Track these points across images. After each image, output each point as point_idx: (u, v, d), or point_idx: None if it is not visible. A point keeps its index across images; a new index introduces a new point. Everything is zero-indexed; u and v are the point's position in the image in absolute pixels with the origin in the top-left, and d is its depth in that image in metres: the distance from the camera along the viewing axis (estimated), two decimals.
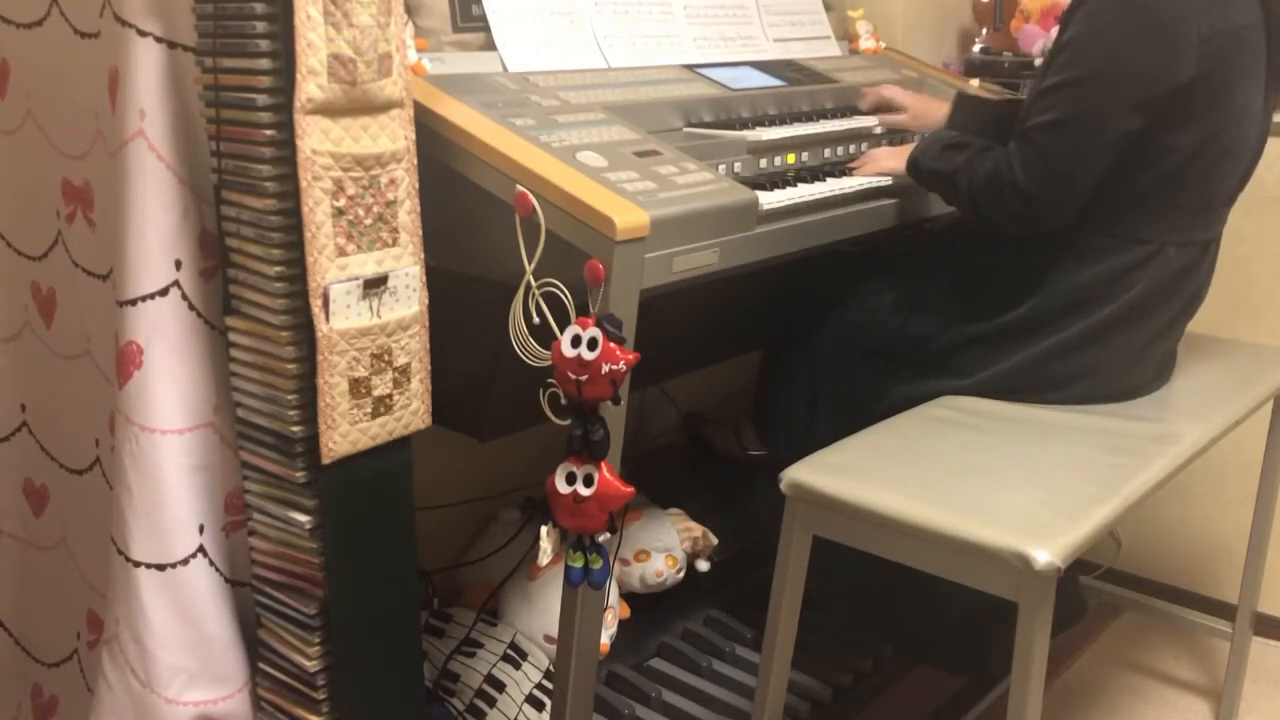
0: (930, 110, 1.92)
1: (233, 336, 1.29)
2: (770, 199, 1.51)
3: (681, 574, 1.96)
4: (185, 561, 1.31)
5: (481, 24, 1.60)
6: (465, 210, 1.37)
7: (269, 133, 1.19)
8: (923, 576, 1.42)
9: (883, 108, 1.95)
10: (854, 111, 1.96)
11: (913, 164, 1.69)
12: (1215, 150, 1.60)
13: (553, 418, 1.30)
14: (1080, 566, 2.14)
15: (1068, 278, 1.64)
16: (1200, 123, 1.57)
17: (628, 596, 1.92)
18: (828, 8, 2.22)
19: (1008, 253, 1.69)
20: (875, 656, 2.05)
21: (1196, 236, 1.67)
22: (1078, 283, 1.63)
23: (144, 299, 1.27)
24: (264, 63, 1.18)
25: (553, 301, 1.27)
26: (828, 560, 1.54)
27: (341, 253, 1.21)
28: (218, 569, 1.34)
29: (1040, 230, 1.60)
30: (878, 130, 1.89)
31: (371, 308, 1.25)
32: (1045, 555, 1.27)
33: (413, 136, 1.27)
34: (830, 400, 1.84)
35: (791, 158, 1.72)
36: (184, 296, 1.28)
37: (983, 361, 1.69)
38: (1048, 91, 1.56)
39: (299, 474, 1.27)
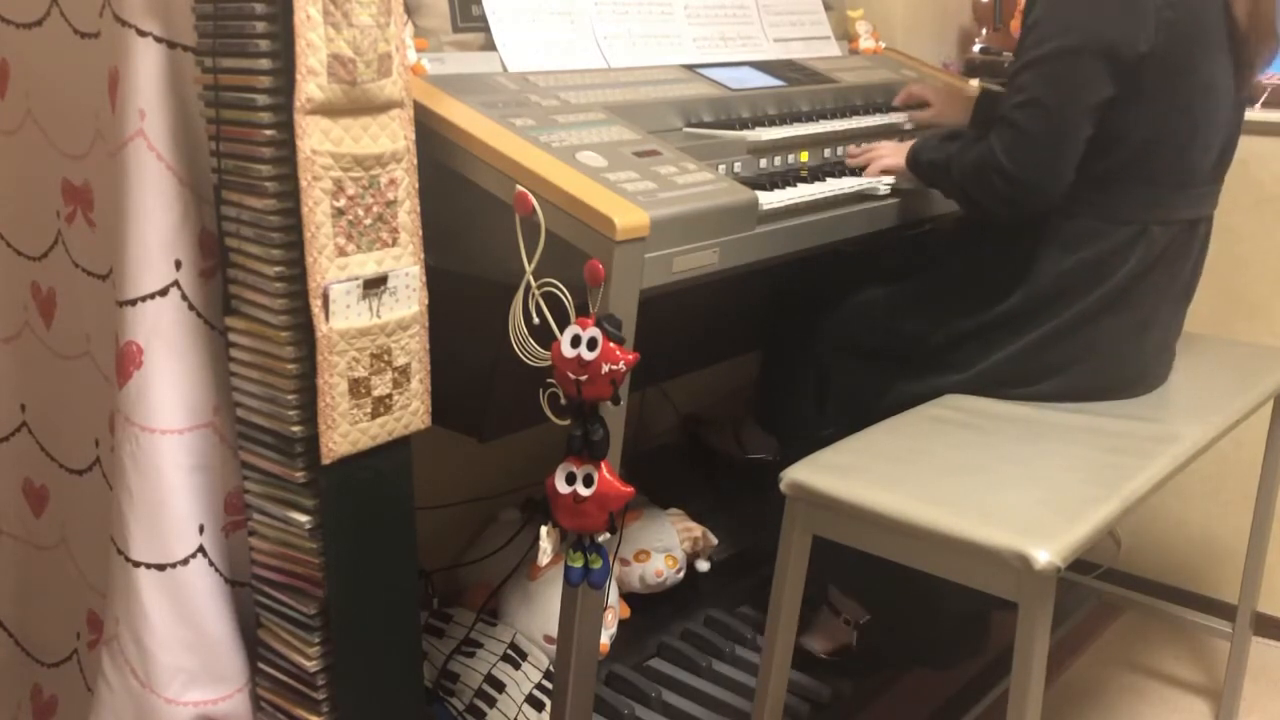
0: (954, 104, 1.98)
1: (233, 336, 1.29)
2: (770, 199, 1.51)
3: (681, 574, 1.96)
4: (185, 561, 1.31)
5: (481, 24, 1.60)
6: (465, 210, 1.37)
7: (269, 133, 1.19)
8: (922, 580, 1.43)
9: (912, 104, 2.01)
10: (854, 111, 1.96)
11: (913, 159, 1.70)
12: (1186, 125, 1.62)
13: (552, 418, 1.30)
14: (1080, 566, 2.14)
15: (1054, 265, 1.65)
16: (1164, 95, 1.58)
17: (628, 596, 1.92)
18: (828, 8, 2.22)
19: (994, 245, 1.70)
20: (875, 656, 2.05)
21: (1179, 215, 1.68)
22: (1065, 269, 1.64)
23: (144, 299, 1.27)
24: (264, 63, 1.18)
25: (553, 301, 1.27)
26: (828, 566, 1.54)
27: (341, 253, 1.21)
28: (217, 569, 1.34)
29: (1031, 212, 1.61)
30: (878, 129, 1.89)
31: (371, 308, 1.25)
32: (1045, 555, 1.27)
33: (413, 136, 1.27)
34: (836, 399, 1.84)
35: (805, 155, 1.72)
36: (184, 296, 1.28)
37: (979, 354, 1.70)
38: (1019, 72, 1.58)
39: (299, 474, 1.27)
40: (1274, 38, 1.69)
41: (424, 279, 1.31)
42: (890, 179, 1.72)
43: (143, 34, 1.23)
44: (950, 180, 1.65)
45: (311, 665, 1.31)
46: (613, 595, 1.81)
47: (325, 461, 1.24)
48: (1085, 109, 1.55)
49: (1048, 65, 1.55)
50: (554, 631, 1.67)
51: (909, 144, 1.74)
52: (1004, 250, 1.69)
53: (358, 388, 1.25)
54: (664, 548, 1.93)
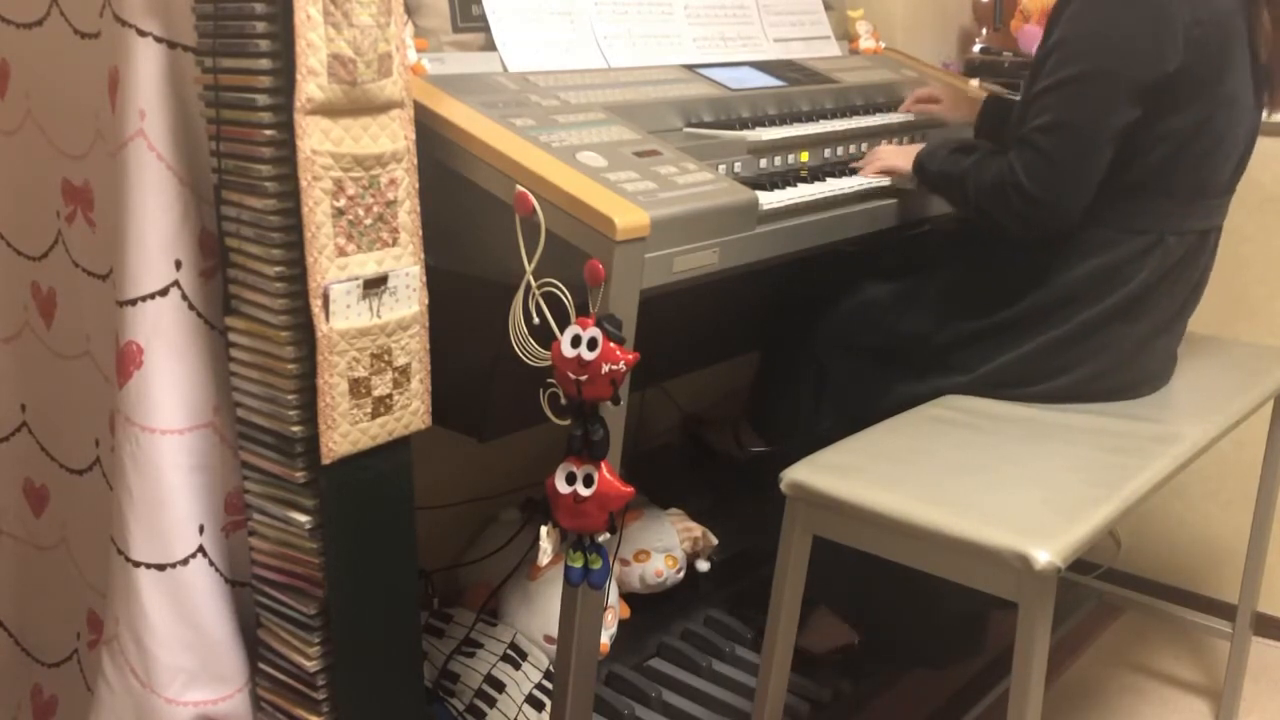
0: (962, 104, 2.00)
1: (233, 336, 1.29)
2: (770, 199, 1.51)
3: (681, 574, 1.96)
4: (185, 561, 1.31)
5: (481, 24, 1.60)
6: (465, 210, 1.37)
7: (269, 133, 1.19)
8: (919, 580, 1.42)
9: (921, 106, 2.01)
10: (854, 111, 1.96)
11: (919, 165, 1.69)
12: (1209, 137, 1.61)
13: (553, 418, 1.30)
14: (1080, 566, 2.14)
15: (1066, 272, 1.64)
16: (1191, 109, 1.58)
17: (628, 596, 1.91)
18: (828, 8, 2.22)
19: (1005, 249, 1.69)
20: (874, 656, 2.05)
21: (1193, 225, 1.67)
22: (1076, 276, 1.64)
23: (144, 299, 1.27)
24: (264, 63, 1.18)
25: (553, 301, 1.27)
26: (824, 564, 1.54)
27: (341, 253, 1.21)
28: (217, 569, 1.34)
29: (1048, 231, 1.61)
30: (878, 129, 1.89)
31: (371, 308, 1.25)
32: (1045, 555, 1.27)
33: (413, 136, 1.27)
34: (835, 399, 1.84)
35: (805, 155, 1.72)
36: (184, 296, 1.28)
37: (983, 357, 1.70)
38: (1043, 93, 1.56)
39: (299, 474, 1.27)
40: None
41: (424, 279, 1.31)
42: (889, 180, 1.71)
43: (143, 34, 1.23)
44: (963, 194, 1.64)
45: (311, 665, 1.31)
46: (613, 595, 1.81)
47: (325, 461, 1.24)
48: (1109, 133, 1.54)
49: (1073, 87, 1.54)
50: (554, 631, 1.67)
51: (913, 147, 1.73)
52: (1014, 254, 1.68)
53: (358, 388, 1.25)
54: (664, 548, 1.93)
